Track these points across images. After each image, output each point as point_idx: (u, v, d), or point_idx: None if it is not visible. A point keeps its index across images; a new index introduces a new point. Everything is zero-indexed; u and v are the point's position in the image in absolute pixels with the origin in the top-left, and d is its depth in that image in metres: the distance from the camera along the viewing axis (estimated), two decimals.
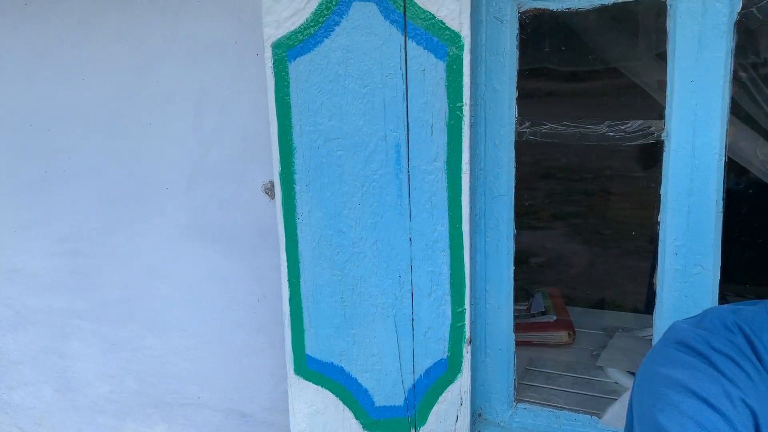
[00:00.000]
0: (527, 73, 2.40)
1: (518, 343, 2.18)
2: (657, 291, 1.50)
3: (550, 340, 2.10)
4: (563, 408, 1.71)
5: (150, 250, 2.05)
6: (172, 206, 1.98)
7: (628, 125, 1.50)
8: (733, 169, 2.10)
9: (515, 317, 2.24)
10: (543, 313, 2.20)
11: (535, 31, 2.34)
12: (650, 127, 1.51)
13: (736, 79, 1.75)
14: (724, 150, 1.42)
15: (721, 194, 1.43)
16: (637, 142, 1.50)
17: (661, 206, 1.49)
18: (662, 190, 1.48)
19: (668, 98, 1.44)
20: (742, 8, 1.36)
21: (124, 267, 2.11)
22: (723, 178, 1.42)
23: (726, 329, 0.88)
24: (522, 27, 1.55)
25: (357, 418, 1.70)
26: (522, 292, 2.46)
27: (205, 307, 2.04)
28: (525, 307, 2.29)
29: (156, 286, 2.08)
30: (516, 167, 1.60)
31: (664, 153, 1.46)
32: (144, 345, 2.16)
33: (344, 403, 1.70)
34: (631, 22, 2.11)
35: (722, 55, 1.37)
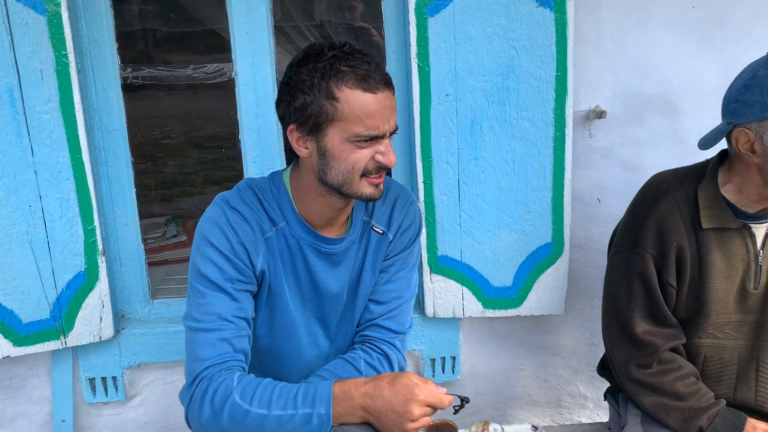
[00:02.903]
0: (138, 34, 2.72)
1: (157, 263, 2.58)
2: None
3: (181, 255, 2.54)
4: None
5: None
6: None
7: (207, 68, 1.98)
8: None
9: (152, 242, 2.63)
10: (175, 236, 2.62)
11: None
12: (223, 68, 2.01)
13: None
14: (275, 83, 1.98)
15: None
16: (216, 81, 1.99)
17: (239, 128, 2.01)
18: (238, 116, 2.00)
19: (233, 46, 1.95)
20: None
21: None
22: None
23: (244, 190, 1.43)
24: None
25: (6, 338, 1.90)
26: (159, 226, 2.84)
27: None
28: (160, 234, 2.68)
29: None
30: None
31: (236, 88, 1.97)
32: None
33: None
34: None
35: (264, 13, 1.92)
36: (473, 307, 2.09)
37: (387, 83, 1.31)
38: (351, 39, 2.74)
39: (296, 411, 1.26)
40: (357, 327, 1.56)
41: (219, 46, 2.65)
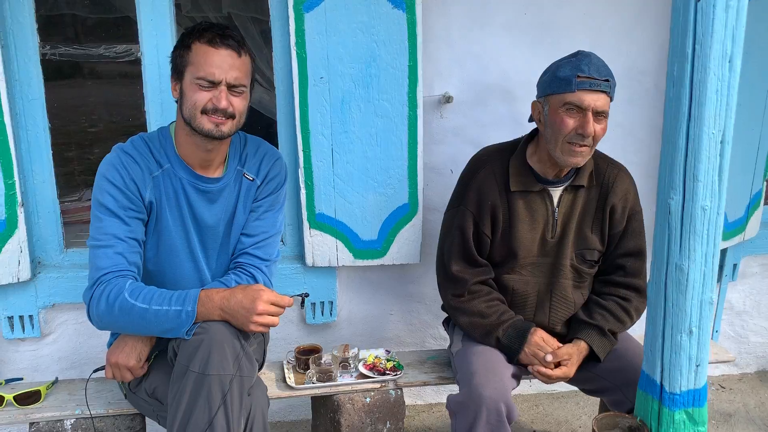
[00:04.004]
0: (62, 17, 3.00)
1: (74, 221, 2.88)
2: None
3: None
4: None
5: None
6: None
7: (117, 48, 2.30)
8: None
9: (69, 204, 2.93)
10: (89, 200, 2.92)
11: None
12: (131, 49, 2.34)
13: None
14: None
15: None
16: (125, 59, 2.31)
17: (145, 100, 2.34)
18: (144, 90, 2.33)
19: (139, 31, 2.28)
20: None
21: None
22: None
23: (136, 140, 1.80)
24: None
25: None
26: (73, 190, 3.13)
27: None
28: (77, 198, 2.98)
29: None
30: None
31: (142, 66, 2.31)
32: None
33: None
34: None
35: (166, 3, 2.26)
36: (346, 257, 2.49)
37: (231, 46, 1.69)
38: (255, 30, 3.11)
39: (170, 307, 1.63)
40: (231, 256, 1.94)
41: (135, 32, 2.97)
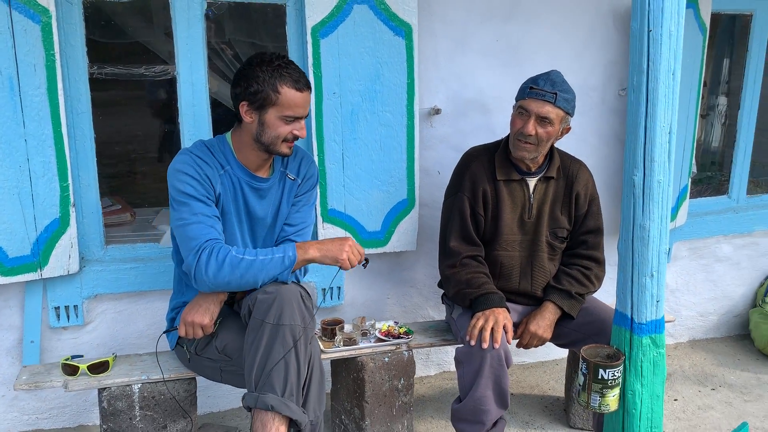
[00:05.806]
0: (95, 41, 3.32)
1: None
2: None
3: (122, 221, 3.15)
4: (136, 242, 2.80)
5: None
6: None
7: (155, 68, 2.65)
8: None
9: None
10: (111, 206, 3.22)
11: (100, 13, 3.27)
12: (167, 69, 2.69)
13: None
14: (207, 83, 2.70)
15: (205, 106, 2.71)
16: (163, 78, 2.67)
17: (179, 113, 2.70)
18: (178, 104, 2.69)
19: (176, 54, 2.65)
20: (207, 6, 2.66)
21: None
22: (207, 99, 2.71)
23: (199, 145, 2.16)
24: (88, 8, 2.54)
25: None
26: None
27: None
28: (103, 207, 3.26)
29: None
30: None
31: (177, 84, 2.67)
32: None
33: None
34: (148, 11, 3.26)
35: (200, 31, 2.65)
36: None
37: (308, 86, 2.11)
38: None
39: (274, 255, 2.02)
40: (275, 243, 2.32)
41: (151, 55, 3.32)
